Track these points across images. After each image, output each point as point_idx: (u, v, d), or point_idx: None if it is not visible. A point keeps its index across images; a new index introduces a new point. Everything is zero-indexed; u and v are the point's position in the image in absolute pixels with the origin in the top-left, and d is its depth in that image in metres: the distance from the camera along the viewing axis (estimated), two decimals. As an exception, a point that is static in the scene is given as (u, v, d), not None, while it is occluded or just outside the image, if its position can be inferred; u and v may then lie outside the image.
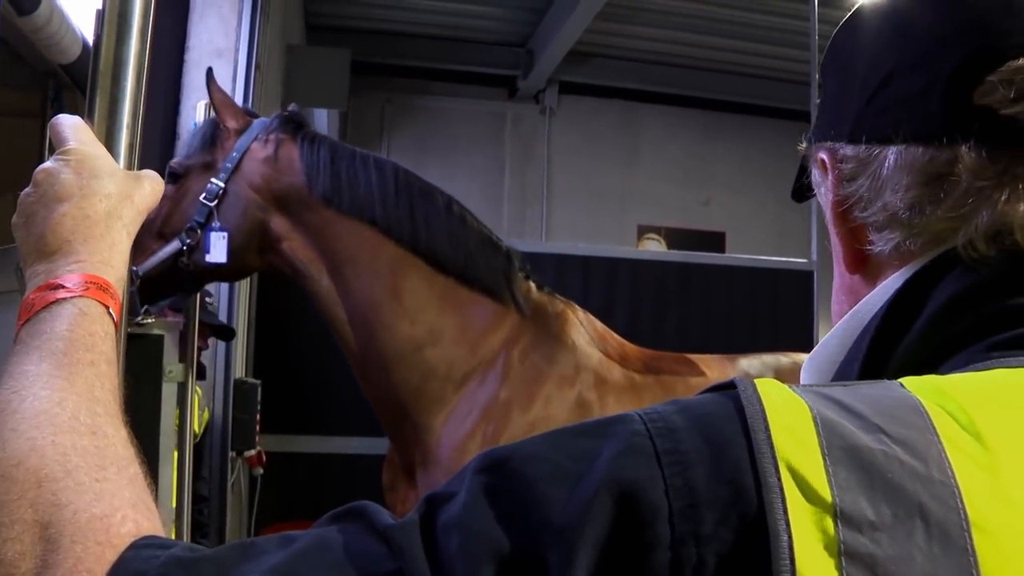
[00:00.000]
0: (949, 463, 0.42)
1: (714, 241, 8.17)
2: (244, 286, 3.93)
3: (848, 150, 0.62)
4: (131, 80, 0.85)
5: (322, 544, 0.47)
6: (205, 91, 3.34)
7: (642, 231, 8.26)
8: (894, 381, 0.48)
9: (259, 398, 3.71)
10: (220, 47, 3.89)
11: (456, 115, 8.23)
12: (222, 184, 2.02)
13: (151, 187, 0.82)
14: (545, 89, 8.23)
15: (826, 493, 0.40)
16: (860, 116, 0.61)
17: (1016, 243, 0.53)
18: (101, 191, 0.75)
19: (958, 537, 0.39)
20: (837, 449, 0.42)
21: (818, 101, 0.71)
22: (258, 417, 3.69)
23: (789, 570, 0.39)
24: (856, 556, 0.39)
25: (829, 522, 0.39)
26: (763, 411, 0.43)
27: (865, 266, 0.63)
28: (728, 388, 0.46)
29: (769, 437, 0.42)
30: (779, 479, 0.40)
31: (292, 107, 2.30)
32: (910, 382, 0.48)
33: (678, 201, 8.33)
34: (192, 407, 2.31)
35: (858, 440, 0.42)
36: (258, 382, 3.79)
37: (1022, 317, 0.52)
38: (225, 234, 2.00)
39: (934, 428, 0.43)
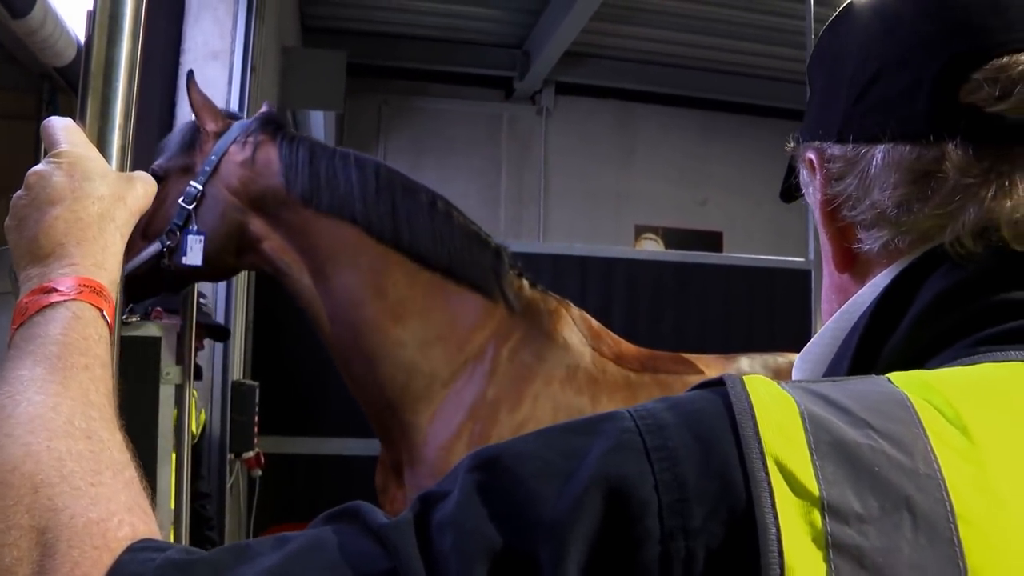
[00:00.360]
0: (935, 456, 0.42)
1: (711, 241, 8.17)
2: (241, 288, 3.93)
3: (836, 149, 0.62)
4: (123, 81, 0.85)
5: (317, 544, 0.47)
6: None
7: (639, 231, 8.26)
8: (881, 376, 0.49)
9: (257, 400, 3.70)
10: (215, 49, 3.89)
11: (453, 117, 8.23)
12: (200, 187, 2.03)
13: (143, 189, 0.82)
14: (541, 90, 8.23)
15: (813, 487, 0.41)
16: (847, 115, 0.61)
17: (1002, 239, 0.53)
18: (93, 193, 0.75)
19: (944, 529, 0.40)
20: (824, 444, 0.42)
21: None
22: (256, 419, 3.69)
23: (777, 563, 0.39)
24: (843, 548, 0.39)
25: (817, 515, 0.40)
26: (751, 407, 0.44)
27: (854, 264, 0.63)
28: (717, 385, 0.47)
29: (757, 433, 0.42)
30: (767, 474, 0.41)
31: (266, 106, 2.29)
32: (897, 377, 0.48)
33: (675, 201, 8.33)
34: (189, 408, 2.31)
35: (845, 435, 0.42)
36: (256, 384, 3.79)
37: (1009, 312, 0.52)
38: (202, 237, 2.01)
39: (920, 422, 0.44)
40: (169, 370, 2.14)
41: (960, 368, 0.50)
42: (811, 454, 0.42)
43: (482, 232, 2.19)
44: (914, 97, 0.56)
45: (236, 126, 2.11)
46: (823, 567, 0.39)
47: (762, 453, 0.42)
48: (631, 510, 0.41)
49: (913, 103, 0.56)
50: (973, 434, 0.44)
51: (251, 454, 3.74)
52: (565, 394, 2.07)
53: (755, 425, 0.43)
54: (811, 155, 0.65)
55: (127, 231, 0.79)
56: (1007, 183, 0.53)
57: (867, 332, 0.57)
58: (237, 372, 3.86)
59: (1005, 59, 0.54)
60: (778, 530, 0.40)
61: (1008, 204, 0.53)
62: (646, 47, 7.74)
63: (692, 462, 0.42)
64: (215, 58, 3.83)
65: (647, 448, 0.43)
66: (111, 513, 0.53)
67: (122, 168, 0.85)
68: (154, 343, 2.08)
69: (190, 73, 2.19)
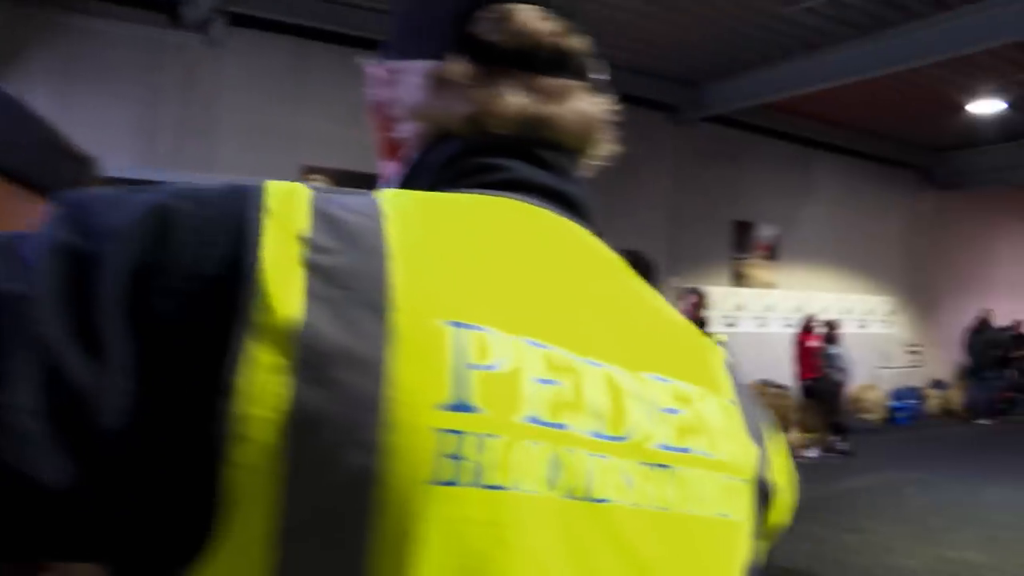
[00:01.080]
0: (383, 222, 0.64)
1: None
2: None
3: (390, 64, 0.84)
4: None
5: None
6: None
7: (306, 171, 8.17)
8: (368, 192, 0.71)
9: None
10: None
11: (111, 39, 7.61)
12: None
13: None
14: (212, 19, 7.85)
15: (305, 230, 0.59)
16: (399, 39, 0.84)
17: (487, 124, 0.77)
18: None
19: (380, 253, 0.61)
20: (319, 213, 0.61)
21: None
22: None
23: (256, 267, 0.56)
24: (317, 268, 0.58)
25: (301, 247, 0.58)
26: (262, 183, 0.63)
27: (397, 152, 0.84)
28: None
29: (263, 195, 0.61)
30: (263, 214, 0.59)
31: None
32: (377, 193, 0.70)
33: (345, 142, 8.32)
34: None
35: (335, 211, 0.62)
36: None
37: (482, 168, 0.77)
38: None
39: (381, 209, 0.66)
40: None
41: (424, 192, 0.73)
42: (310, 216, 0.60)
43: (72, 144, 2.07)
44: (438, 27, 0.79)
45: None
46: (301, 275, 0.57)
47: (262, 204, 0.60)
48: (173, 227, 0.57)
49: (438, 31, 0.79)
50: (408, 215, 0.66)
51: None
52: None
53: (263, 191, 0.61)
54: (376, 70, 0.85)
55: None
56: (493, 89, 0.77)
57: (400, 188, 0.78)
58: None
59: (500, 6, 0.78)
60: (261, 248, 0.57)
61: (492, 102, 0.77)
62: (322, -17, 7.63)
63: (214, 202, 0.60)
64: None
65: (187, 195, 0.60)
66: None
67: None
68: None
69: None
